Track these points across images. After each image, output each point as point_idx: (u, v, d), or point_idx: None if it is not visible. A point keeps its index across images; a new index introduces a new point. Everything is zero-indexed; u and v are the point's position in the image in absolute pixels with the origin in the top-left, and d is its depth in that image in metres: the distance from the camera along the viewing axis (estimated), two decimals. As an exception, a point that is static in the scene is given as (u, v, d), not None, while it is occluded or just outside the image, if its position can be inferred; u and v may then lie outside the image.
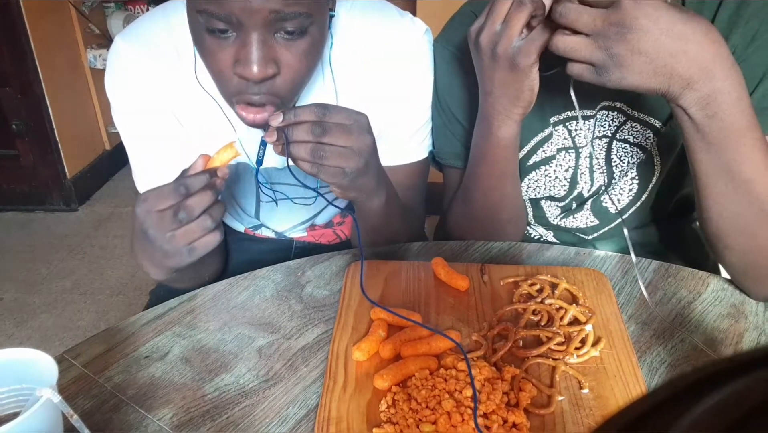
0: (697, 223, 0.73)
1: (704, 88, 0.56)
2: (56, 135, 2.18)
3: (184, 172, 0.62)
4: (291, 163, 0.61)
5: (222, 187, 0.62)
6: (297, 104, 0.75)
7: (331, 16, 0.70)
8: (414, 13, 0.80)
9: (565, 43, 0.58)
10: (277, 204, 0.85)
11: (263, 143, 0.63)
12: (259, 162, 0.66)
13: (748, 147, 0.58)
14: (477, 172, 0.77)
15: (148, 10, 2.32)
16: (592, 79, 0.58)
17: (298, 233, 0.92)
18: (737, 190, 0.61)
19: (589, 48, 0.56)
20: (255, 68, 0.59)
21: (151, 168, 0.81)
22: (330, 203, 0.71)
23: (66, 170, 2.24)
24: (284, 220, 0.89)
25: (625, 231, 0.62)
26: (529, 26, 0.65)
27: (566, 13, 0.57)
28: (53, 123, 2.15)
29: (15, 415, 0.48)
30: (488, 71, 0.67)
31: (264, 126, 0.64)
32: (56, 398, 0.45)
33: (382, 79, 0.77)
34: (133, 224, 0.64)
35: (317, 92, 0.76)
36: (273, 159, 0.79)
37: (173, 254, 0.62)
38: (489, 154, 0.74)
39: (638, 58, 0.55)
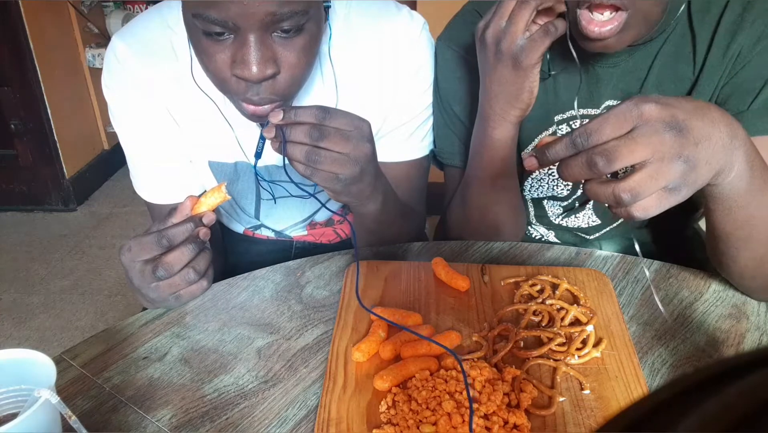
0: (704, 229, 0.72)
1: (742, 151, 0.51)
2: (55, 135, 2.17)
3: (171, 212, 0.62)
4: (288, 162, 0.61)
5: (207, 236, 0.62)
6: (297, 99, 0.75)
7: (327, 7, 0.70)
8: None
9: (628, 187, 0.46)
10: (275, 201, 0.84)
11: (262, 137, 0.62)
12: (258, 155, 0.65)
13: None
14: (474, 174, 0.77)
15: (147, 9, 2.32)
16: (671, 203, 0.48)
17: (299, 232, 0.92)
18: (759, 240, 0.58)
19: (656, 172, 0.46)
20: (254, 69, 0.59)
21: (148, 169, 0.81)
22: (323, 205, 0.71)
23: (65, 170, 2.24)
24: (284, 218, 0.89)
25: (637, 246, 0.62)
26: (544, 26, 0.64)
27: (616, 153, 0.46)
28: (52, 123, 2.15)
29: (14, 416, 0.48)
30: (491, 69, 0.67)
31: (264, 120, 0.64)
32: (54, 398, 0.45)
33: (380, 72, 0.77)
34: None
35: (318, 86, 0.76)
36: (273, 157, 0.79)
37: (159, 301, 0.64)
38: (485, 155, 0.74)
39: (702, 147, 0.47)
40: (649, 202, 0.47)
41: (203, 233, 0.61)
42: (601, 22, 0.60)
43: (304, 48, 0.61)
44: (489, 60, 0.67)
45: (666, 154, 0.46)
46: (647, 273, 0.68)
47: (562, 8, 0.63)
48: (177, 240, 0.59)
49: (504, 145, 0.72)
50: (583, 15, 0.61)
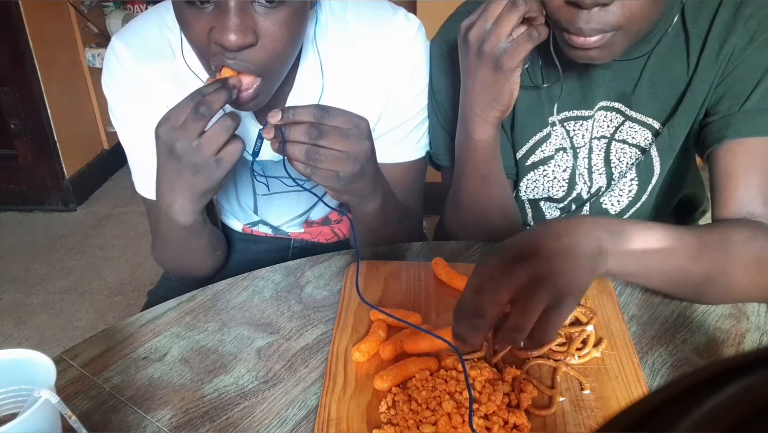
0: None
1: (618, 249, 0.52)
2: (55, 135, 2.17)
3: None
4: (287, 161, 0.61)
5: (235, 90, 0.62)
6: (289, 97, 0.75)
7: None
8: (414, 13, 0.80)
9: (510, 327, 0.48)
10: (269, 188, 0.85)
11: (260, 137, 0.63)
12: (255, 154, 0.66)
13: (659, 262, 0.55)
14: (461, 175, 0.77)
15: (146, 9, 2.32)
16: (567, 314, 0.50)
17: (296, 228, 0.92)
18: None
19: (524, 305, 0.48)
20: (232, 36, 0.59)
21: (149, 167, 0.81)
22: (320, 199, 0.71)
23: (64, 170, 2.24)
24: (280, 213, 0.89)
25: None
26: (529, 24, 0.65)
27: (484, 309, 0.48)
28: (52, 122, 2.15)
29: (13, 416, 0.48)
30: (472, 69, 0.67)
31: (250, 103, 0.65)
32: (54, 398, 0.45)
33: (375, 72, 0.77)
34: (157, 160, 0.64)
35: (304, 70, 0.76)
36: (269, 152, 0.79)
37: (202, 168, 0.62)
38: (469, 157, 0.74)
39: (573, 274, 0.49)
40: (542, 328, 0.48)
41: (231, 85, 0.61)
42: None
43: (285, 21, 0.62)
44: (470, 60, 0.67)
45: (524, 286, 0.48)
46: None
47: (542, 20, 0.64)
48: (209, 91, 0.60)
49: (486, 146, 0.72)
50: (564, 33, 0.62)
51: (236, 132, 0.63)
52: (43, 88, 2.09)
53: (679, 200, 0.85)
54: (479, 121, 0.70)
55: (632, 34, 0.62)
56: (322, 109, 0.59)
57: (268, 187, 0.83)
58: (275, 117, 0.59)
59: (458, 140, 0.75)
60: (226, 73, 0.63)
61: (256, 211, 0.89)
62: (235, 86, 0.62)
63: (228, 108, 0.64)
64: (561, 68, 0.71)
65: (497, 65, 0.65)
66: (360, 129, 0.61)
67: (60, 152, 2.21)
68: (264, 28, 0.61)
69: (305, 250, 0.93)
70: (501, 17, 0.63)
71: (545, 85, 0.76)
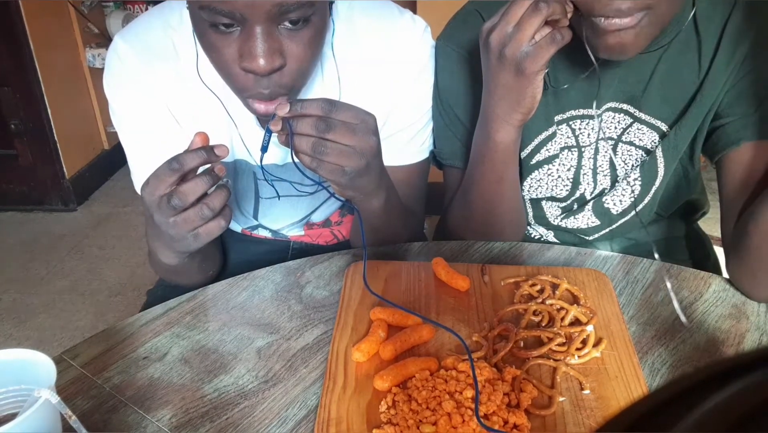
0: (721, 231, 0.73)
1: None
2: (55, 135, 2.17)
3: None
4: (296, 157, 0.61)
5: (223, 173, 0.61)
6: (304, 92, 0.75)
7: (331, 2, 0.70)
8: (414, 12, 0.80)
9: None
10: (279, 198, 0.84)
11: (269, 131, 0.63)
12: (264, 149, 0.65)
13: None
14: (475, 175, 0.77)
15: (147, 9, 2.32)
16: None
17: (296, 232, 0.92)
18: None
19: None
20: (261, 62, 0.59)
21: (149, 169, 0.80)
22: (332, 195, 0.71)
23: (65, 170, 2.24)
24: (281, 217, 0.89)
25: (657, 255, 0.62)
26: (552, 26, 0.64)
27: None
28: (52, 123, 2.15)
29: (13, 416, 0.48)
30: (494, 72, 0.67)
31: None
32: (55, 398, 0.45)
33: (381, 74, 0.77)
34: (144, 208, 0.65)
35: (318, 83, 0.76)
36: (273, 156, 0.78)
37: (178, 240, 0.63)
38: (487, 157, 0.74)
39: None
40: None
41: (218, 168, 0.61)
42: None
43: (311, 40, 0.62)
44: (492, 63, 0.66)
45: None
46: (668, 284, 0.67)
47: (566, 23, 0.63)
48: (187, 164, 0.59)
49: (506, 148, 0.72)
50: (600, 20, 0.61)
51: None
52: (43, 88, 2.09)
53: (681, 203, 0.85)
54: (501, 123, 0.69)
55: (659, 18, 0.61)
56: (330, 103, 0.59)
57: (276, 191, 0.83)
58: (283, 109, 0.59)
59: (476, 140, 0.75)
60: (203, 140, 0.61)
61: (255, 217, 0.89)
62: (224, 155, 0.61)
63: (224, 178, 0.63)
64: (575, 66, 0.71)
65: (519, 69, 0.63)
66: (367, 124, 0.61)
67: (60, 152, 2.21)
68: (290, 49, 0.61)
69: (304, 252, 0.93)
70: (523, 20, 0.61)
71: (552, 87, 0.75)
